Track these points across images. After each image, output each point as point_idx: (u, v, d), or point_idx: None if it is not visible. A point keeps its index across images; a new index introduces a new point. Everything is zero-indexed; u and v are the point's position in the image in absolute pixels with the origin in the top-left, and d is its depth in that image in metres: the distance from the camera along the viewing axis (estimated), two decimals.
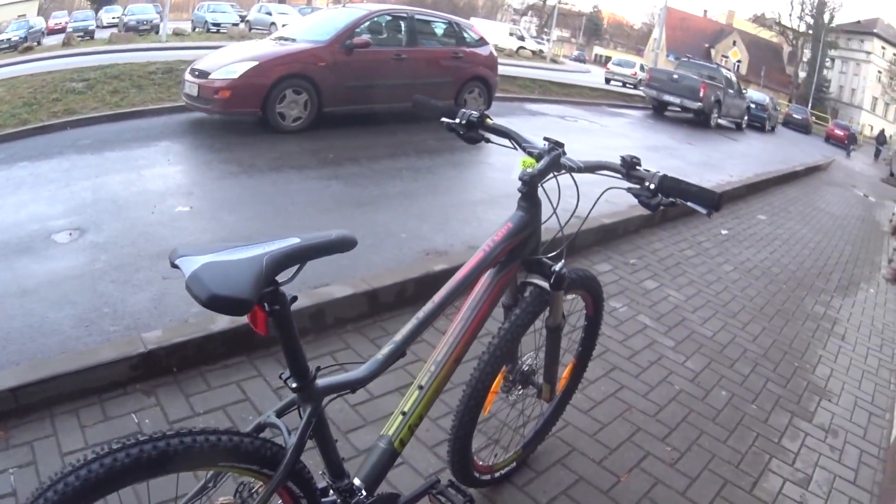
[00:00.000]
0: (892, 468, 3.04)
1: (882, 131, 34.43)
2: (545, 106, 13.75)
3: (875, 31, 52.51)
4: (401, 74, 8.66)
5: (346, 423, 2.59)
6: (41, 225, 4.38)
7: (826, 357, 4.30)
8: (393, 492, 1.77)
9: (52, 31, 25.07)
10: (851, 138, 29.34)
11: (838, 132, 31.30)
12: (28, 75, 9.92)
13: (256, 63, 7.35)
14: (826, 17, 52.57)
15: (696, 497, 2.65)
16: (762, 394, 3.59)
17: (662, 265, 5.20)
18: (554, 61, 32.64)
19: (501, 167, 7.34)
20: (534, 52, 36.25)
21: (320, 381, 1.44)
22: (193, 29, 26.77)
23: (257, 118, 7.44)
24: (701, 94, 16.36)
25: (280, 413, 1.43)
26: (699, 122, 17.03)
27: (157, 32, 23.05)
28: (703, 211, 1.67)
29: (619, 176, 1.79)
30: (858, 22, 53.39)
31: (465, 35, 10.00)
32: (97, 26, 26.52)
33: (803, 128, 32.34)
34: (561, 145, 1.90)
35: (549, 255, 2.00)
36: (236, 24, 27.69)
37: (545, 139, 1.94)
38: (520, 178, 1.83)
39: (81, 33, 24.41)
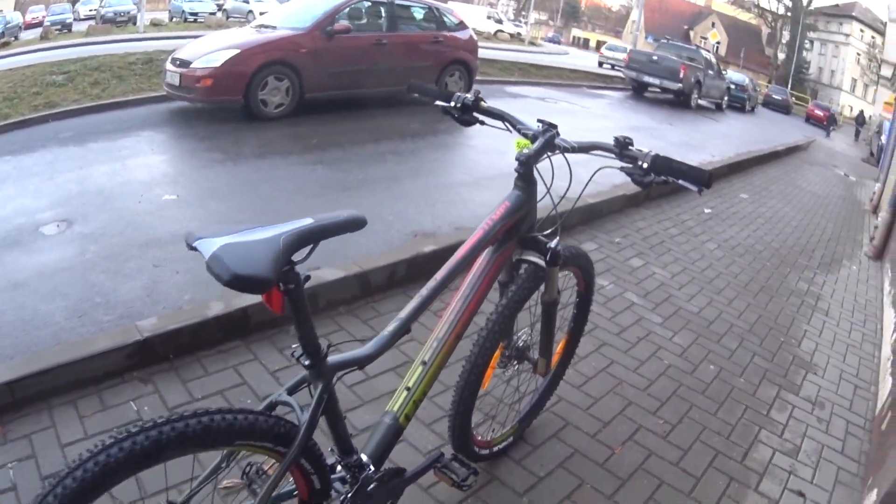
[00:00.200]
0: (878, 438, 3.11)
1: (861, 112, 34.77)
2: (525, 88, 13.75)
3: (853, 14, 52.73)
4: (381, 59, 8.66)
5: (343, 404, 2.62)
6: (28, 218, 4.35)
7: (811, 332, 4.38)
8: (399, 466, 1.80)
9: (29, 26, 24.66)
10: (831, 119, 29.55)
11: (818, 113, 31.48)
12: (7, 70, 9.79)
13: (238, 51, 7.32)
14: (804, 0, 52.76)
15: (690, 468, 2.71)
16: (749, 367, 3.66)
17: (647, 243, 5.26)
18: (532, 44, 32.54)
19: (484, 149, 7.38)
20: (512, 36, 36.13)
21: (330, 359, 1.47)
22: (171, 19, 26.44)
23: (240, 106, 7.41)
24: (681, 76, 16.43)
25: (291, 391, 1.46)
26: (679, 102, 17.10)
27: (134, 23, 22.74)
28: (694, 188, 1.71)
29: (612, 156, 1.83)
30: (837, 5, 53.55)
31: (445, 19, 10.00)
32: (74, 19, 26.14)
33: (783, 108, 32.50)
34: (554, 126, 1.94)
35: (544, 232, 2.04)
36: (213, 13, 27.40)
37: (539, 121, 1.97)
38: (516, 159, 1.87)
39: (59, 26, 24.05)
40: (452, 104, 2.05)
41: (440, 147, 7.60)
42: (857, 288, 5.64)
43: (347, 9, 8.41)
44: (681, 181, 1.73)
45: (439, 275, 1.71)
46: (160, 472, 1.23)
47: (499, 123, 2.05)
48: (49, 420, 2.34)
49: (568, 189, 1.95)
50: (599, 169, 1.94)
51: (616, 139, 1.82)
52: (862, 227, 8.38)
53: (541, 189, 1.99)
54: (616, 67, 25.04)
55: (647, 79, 17.11)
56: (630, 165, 1.79)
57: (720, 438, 2.96)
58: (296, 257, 1.30)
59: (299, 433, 1.38)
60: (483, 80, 11.77)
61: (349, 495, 1.61)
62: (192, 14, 27.02)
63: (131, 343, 2.65)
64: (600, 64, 28.06)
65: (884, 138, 15.90)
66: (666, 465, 2.69)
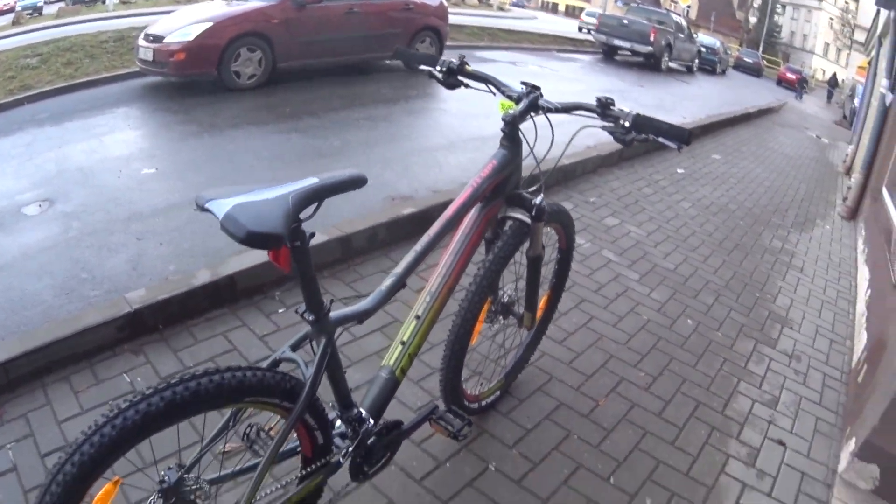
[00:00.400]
0: (854, 390, 3.21)
1: (834, 75, 34.93)
2: (495, 53, 13.70)
3: None
4: (353, 28, 8.67)
5: None
6: (9, 200, 4.32)
7: (786, 288, 4.48)
8: (396, 419, 1.86)
9: (0, 12, 24.16)
10: (803, 82, 29.72)
11: (790, 76, 31.65)
12: None
13: (210, 24, 7.29)
14: None
15: (672, 418, 2.81)
16: (726, 322, 3.75)
17: (622, 203, 5.32)
18: (501, 9, 32.33)
19: (456, 113, 7.44)
20: (480, 1, 35.84)
21: (332, 314, 1.51)
22: None
23: (213, 78, 7.40)
24: (651, 38, 16.45)
25: (294, 348, 1.51)
26: (650, 65, 17.13)
27: (103, 2, 22.31)
28: (674, 146, 1.78)
29: (594, 116, 1.89)
30: None
31: None
32: (45, 2, 25.60)
33: (754, 71, 32.65)
34: (538, 88, 1.98)
35: (529, 189, 2.10)
36: None
37: (522, 83, 2.02)
38: (502, 119, 1.93)
39: (30, 10, 23.55)
40: (438, 69, 2.09)
41: (413, 112, 7.64)
42: (831, 247, 5.75)
43: None
44: (661, 139, 1.79)
45: (432, 230, 1.77)
46: (164, 438, 1.27)
47: (481, 86, 2.09)
48: (44, 398, 2.35)
49: (550, 148, 2.01)
50: (582, 128, 1.99)
51: (598, 99, 1.87)
52: (835, 188, 8.48)
53: (525, 149, 2.04)
54: (592, 32, 25.07)
55: (617, 42, 17.10)
56: (612, 124, 1.84)
57: (700, 390, 3.05)
58: (302, 215, 1.34)
59: (305, 388, 1.42)
60: (453, 45, 11.74)
61: (350, 449, 1.66)
62: None
63: (121, 315, 2.66)
64: (580, 29, 27.97)
65: (857, 102, 16.06)
66: (649, 416, 2.78)
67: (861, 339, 3.72)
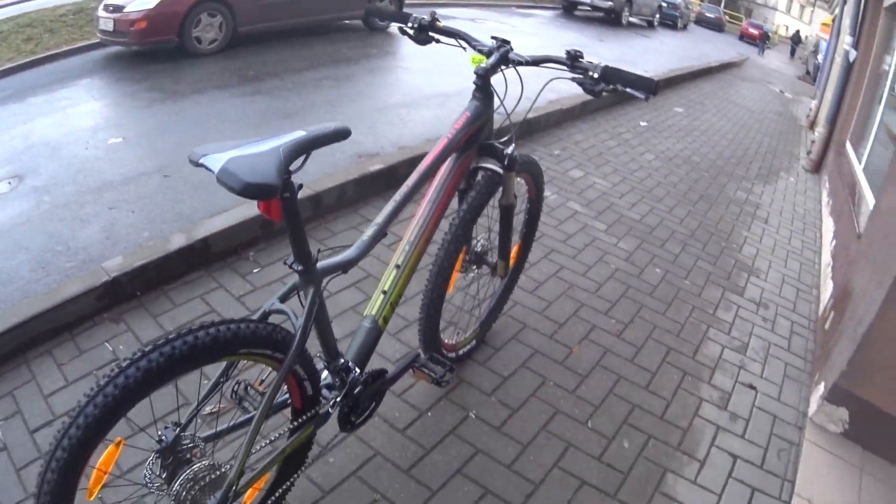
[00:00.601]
0: (822, 337, 3.33)
1: (797, 32, 35.10)
2: (454, 10, 13.50)
3: None
4: None
5: None
6: None
7: (751, 238, 4.59)
8: (380, 368, 1.91)
9: None
10: (764, 37, 29.84)
11: (752, 31, 31.75)
12: None
13: None
14: None
15: (645, 363, 2.90)
16: (693, 271, 3.85)
17: (586, 155, 5.37)
18: None
19: (417, 70, 7.48)
20: None
21: (319, 264, 1.55)
22: None
23: (174, 45, 7.31)
24: None
25: (283, 299, 1.54)
26: (610, 20, 17.12)
27: None
28: (642, 96, 1.83)
29: (564, 68, 1.93)
30: None
31: None
32: None
33: (716, 26, 32.66)
34: (508, 42, 2.02)
35: (500, 140, 2.15)
36: None
37: (493, 37, 2.05)
38: (475, 73, 1.96)
39: None
40: (410, 25, 2.12)
41: (374, 71, 7.63)
42: (796, 198, 5.86)
43: None
44: (629, 89, 1.84)
45: (410, 181, 1.80)
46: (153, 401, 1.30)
47: (451, 41, 2.12)
48: (28, 373, 2.33)
49: (520, 100, 2.05)
50: (551, 80, 2.04)
51: (567, 52, 1.91)
52: (798, 141, 8.60)
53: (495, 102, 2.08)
54: None
55: None
56: (581, 76, 1.89)
57: (671, 336, 3.15)
58: (291, 168, 1.37)
59: (296, 337, 1.46)
60: (412, 2, 11.63)
61: (338, 399, 1.71)
62: None
63: (100, 285, 2.65)
64: None
65: (820, 58, 16.19)
66: (622, 362, 2.87)
67: (827, 288, 3.83)
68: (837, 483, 2.48)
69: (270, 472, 1.68)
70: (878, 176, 3.86)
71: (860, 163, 4.95)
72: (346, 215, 3.62)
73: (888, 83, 4.89)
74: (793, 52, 31.23)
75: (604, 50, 11.81)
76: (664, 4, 22.36)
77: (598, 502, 2.16)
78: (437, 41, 2.15)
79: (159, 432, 1.34)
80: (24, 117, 5.47)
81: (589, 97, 6.14)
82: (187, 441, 1.37)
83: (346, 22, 9.48)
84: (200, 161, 1.28)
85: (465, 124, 1.94)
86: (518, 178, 2.35)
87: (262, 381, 1.58)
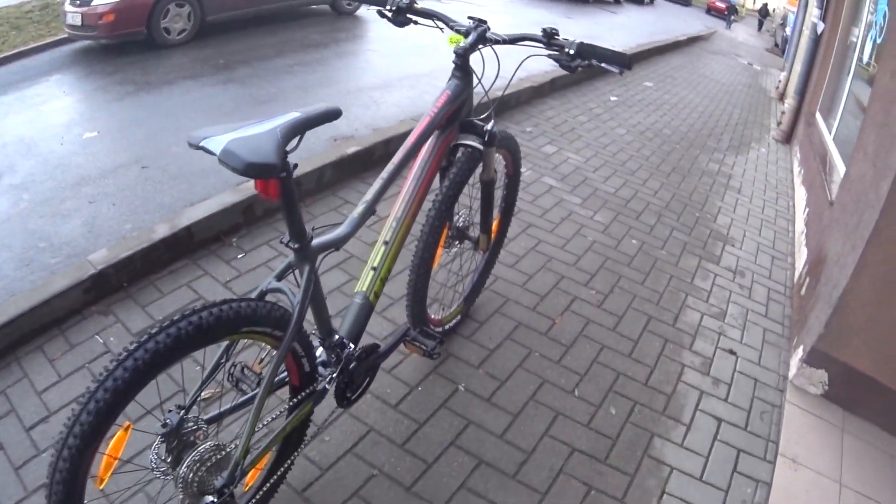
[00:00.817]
0: (798, 302, 3.41)
1: (765, 5, 35.14)
2: None
3: None
4: None
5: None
6: None
7: (725, 208, 4.66)
8: (373, 342, 1.95)
9: None
10: (731, 10, 30.01)
11: (719, 4, 31.84)
12: None
13: None
14: None
15: (626, 332, 2.96)
16: (670, 241, 3.91)
17: (558, 131, 5.40)
18: None
19: (387, 53, 7.50)
20: None
21: (314, 242, 1.58)
22: None
23: (143, 37, 7.31)
24: None
25: (279, 278, 1.57)
26: None
27: None
28: (616, 70, 1.89)
29: (540, 45, 1.97)
30: None
31: None
32: None
33: (683, 0, 32.79)
34: (484, 22, 2.06)
35: (479, 117, 2.20)
36: None
37: (469, 17, 2.09)
38: (454, 52, 2.00)
39: None
40: (388, 7, 2.14)
41: (344, 55, 7.65)
42: (767, 168, 5.95)
43: None
44: (604, 64, 1.90)
45: (395, 158, 1.84)
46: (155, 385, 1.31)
47: (429, 22, 2.15)
48: (20, 371, 2.32)
49: (496, 77, 2.09)
50: (527, 57, 2.09)
51: (543, 30, 1.95)
52: (768, 112, 8.68)
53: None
54: None
55: None
56: (557, 53, 1.94)
57: (651, 305, 3.21)
58: (287, 148, 1.39)
59: (294, 314, 1.49)
60: None
61: (334, 375, 1.75)
62: None
63: (87, 278, 2.65)
64: None
65: (788, 30, 16.31)
66: (605, 332, 2.93)
67: (802, 255, 3.92)
68: (820, 443, 2.56)
69: (271, 452, 1.71)
70: (849, 145, 3.94)
71: (830, 133, 5.04)
72: (325, 198, 3.64)
73: (856, 55, 4.97)
74: (760, 25, 31.41)
75: (571, 27, 11.84)
76: None
77: (589, 468, 2.22)
78: (416, 23, 2.17)
79: (163, 416, 1.36)
80: None
81: (559, 73, 6.24)
82: (191, 423, 1.39)
83: (314, 7, 9.47)
84: (201, 144, 1.31)
85: (446, 102, 1.98)
86: (497, 155, 2.40)
87: (262, 361, 1.61)
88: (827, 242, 3.30)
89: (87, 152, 4.42)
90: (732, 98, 8.93)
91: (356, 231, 1.73)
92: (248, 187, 3.32)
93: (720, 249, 3.99)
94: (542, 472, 2.17)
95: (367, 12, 9.46)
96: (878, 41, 4.20)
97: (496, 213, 2.68)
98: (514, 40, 2.00)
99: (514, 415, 2.37)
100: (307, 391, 1.67)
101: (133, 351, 1.20)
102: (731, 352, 3.02)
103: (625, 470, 2.25)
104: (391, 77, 6.45)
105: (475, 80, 2.10)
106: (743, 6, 40.60)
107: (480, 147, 2.17)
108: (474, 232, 2.53)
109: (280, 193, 1.41)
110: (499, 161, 2.48)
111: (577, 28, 11.79)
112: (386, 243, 1.90)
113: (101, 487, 1.31)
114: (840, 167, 4.14)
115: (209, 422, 1.48)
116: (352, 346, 1.79)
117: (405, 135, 1.96)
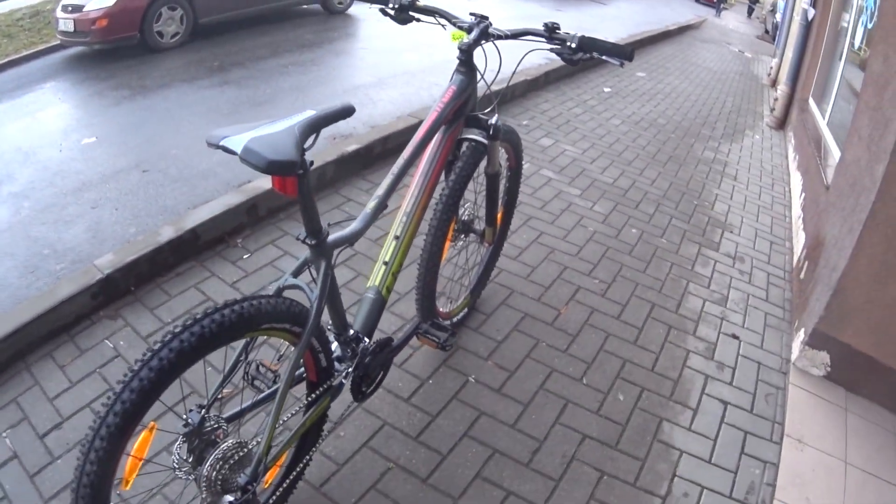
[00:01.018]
0: (798, 286, 3.45)
1: None
2: None
3: None
4: None
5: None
6: None
7: (722, 195, 4.69)
8: (386, 336, 1.98)
9: None
10: None
11: None
12: None
13: None
14: None
15: (631, 320, 3.00)
16: (669, 229, 3.95)
17: (553, 123, 5.42)
18: None
19: (381, 51, 7.51)
20: None
21: (329, 237, 1.61)
22: None
23: (136, 41, 7.31)
24: None
25: (296, 274, 1.60)
26: None
27: None
28: (617, 62, 1.93)
29: (542, 40, 2.01)
30: None
31: None
32: None
33: None
34: (486, 18, 2.09)
35: (483, 111, 2.23)
36: None
37: (471, 14, 2.13)
38: (458, 48, 2.03)
39: None
40: (391, 5, 2.17)
41: (338, 54, 7.69)
42: (763, 155, 5.97)
43: None
44: (605, 56, 1.94)
45: (405, 153, 1.87)
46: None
47: (431, 19, 2.18)
48: (31, 379, 2.31)
49: (499, 71, 2.12)
50: (529, 52, 2.13)
51: (545, 24, 2.00)
52: (761, 99, 8.67)
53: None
54: None
55: None
56: (559, 47, 1.98)
57: (653, 292, 3.25)
58: (304, 146, 1.42)
59: (312, 309, 1.52)
60: None
61: (350, 370, 1.78)
62: None
63: (94, 283, 2.65)
64: None
65: (778, 17, 16.28)
66: (609, 320, 2.96)
67: (800, 239, 3.95)
68: (824, 423, 2.60)
69: (290, 448, 1.73)
70: (843, 130, 3.97)
71: (824, 118, 5.06)
72: (328, 196, 3.66)
73: (847, 40, 5.00)
74: (750, 12, 31.35)
75: (561, 20, 11.38)
76: None
77: (600, 453, 2.26)
78: (418, 20, 2.20)
79: (185, 415, 1.37)
80: None
81: (552, 66, 6.27)
82: (212, 422, 1.41)
83: (305, 7, 9.48)
84: (221, 143, 1.33)
85: (451, 97, 2.01)
86: (500, 148, 2.43)
87: (280, 357, 1.63)
88: (824, 226, 3.34)
89: (87, 158, 4.43)
90: (725, 86, 8.92)
91: (370, 225, 1.76)
92: (252, 188, 3.35)
93: (719, 236, 4.02)
94: (556, 459, 2.21)
95: (358, 10, 9.48)
96: (869, 26, 4.22)
97: (499, 207, 2.72)
98: (516, 35, 2.04)
99: (525, 404, 2.41)
100: (325, 386, 1.70)
101: (158, 351, 1.22)
102: (734, 336, 3.05)
103: (635, 455, 2.29)
104: (385, 74, 6.47)
105: (478, 75, 2.13)
106: None
107: (485, 141, 2.19)
108: (479, 225, 2.57)
109: (298, 190, 1.43)
110: (501, 154, 2.51)
111: (568, 21, 11.73)
112: (397, 238, 1.93)
113: (126, 489, 1.33)
114: (835, 151, 4.17)
115: (229, 420, 1.49)
116: (367, 340, 1.82)
117: (403, 132, 2.00)
